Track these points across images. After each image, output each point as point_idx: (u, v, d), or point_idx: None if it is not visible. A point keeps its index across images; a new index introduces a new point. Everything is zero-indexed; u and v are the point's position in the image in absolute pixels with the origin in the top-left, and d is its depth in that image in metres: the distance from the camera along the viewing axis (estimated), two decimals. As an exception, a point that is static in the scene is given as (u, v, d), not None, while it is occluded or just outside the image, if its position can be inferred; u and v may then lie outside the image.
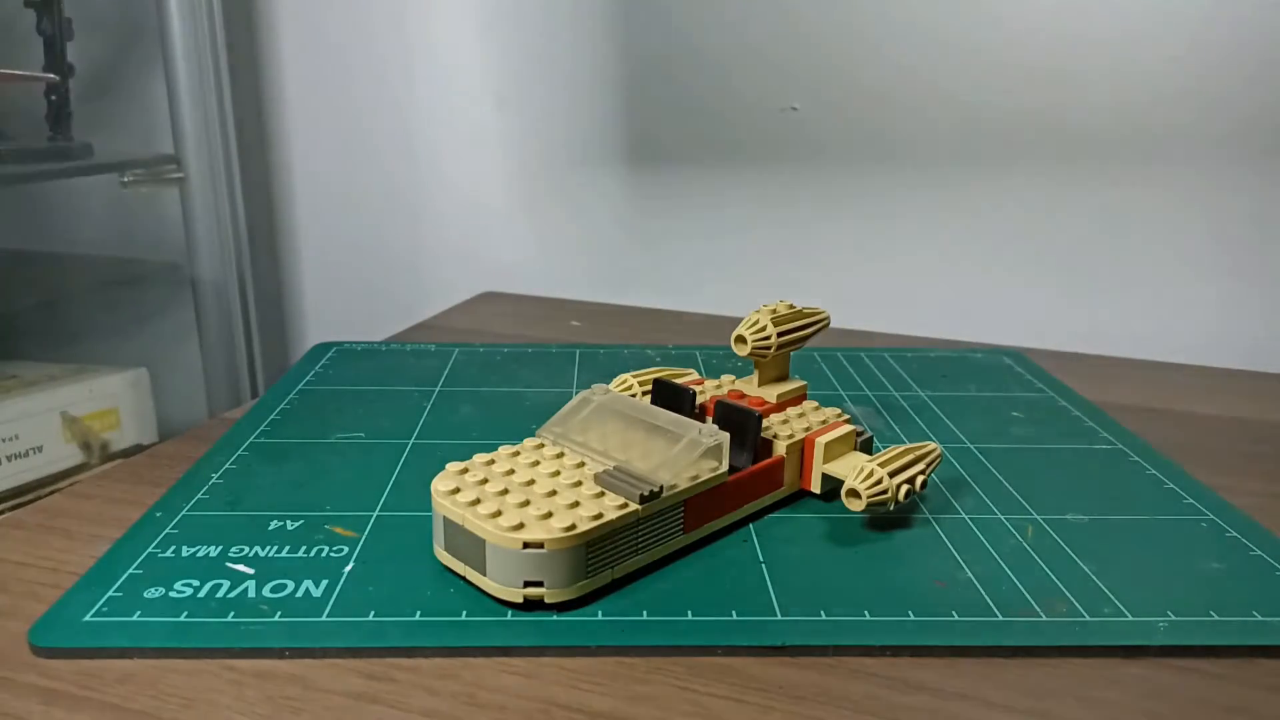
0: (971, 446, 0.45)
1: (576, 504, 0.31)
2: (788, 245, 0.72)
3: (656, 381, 0.40)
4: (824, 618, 0.30)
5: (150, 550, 0.33)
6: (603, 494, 0.32)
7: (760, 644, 0.29)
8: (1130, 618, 0.31)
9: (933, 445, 0.38)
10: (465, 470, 0.33)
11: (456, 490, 0.32)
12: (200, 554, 0.33)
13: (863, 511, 0.35)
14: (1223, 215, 0.62)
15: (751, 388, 0.41)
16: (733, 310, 0.70)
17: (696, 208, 0.73)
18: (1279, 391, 0.56)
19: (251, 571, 0.32)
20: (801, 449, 0.38)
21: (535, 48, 0.74)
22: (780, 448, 0.37)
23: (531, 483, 0.32)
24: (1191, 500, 0.40)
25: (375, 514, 0.36)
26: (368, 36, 0.78)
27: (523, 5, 0.73)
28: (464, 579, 0.31)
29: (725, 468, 0.34)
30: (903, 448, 0.37)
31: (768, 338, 0.39)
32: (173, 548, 0.33)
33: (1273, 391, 0.56)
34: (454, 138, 0.78)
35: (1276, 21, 0.58)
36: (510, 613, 0.30)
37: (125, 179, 0.73)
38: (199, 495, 0.37)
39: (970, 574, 0.33)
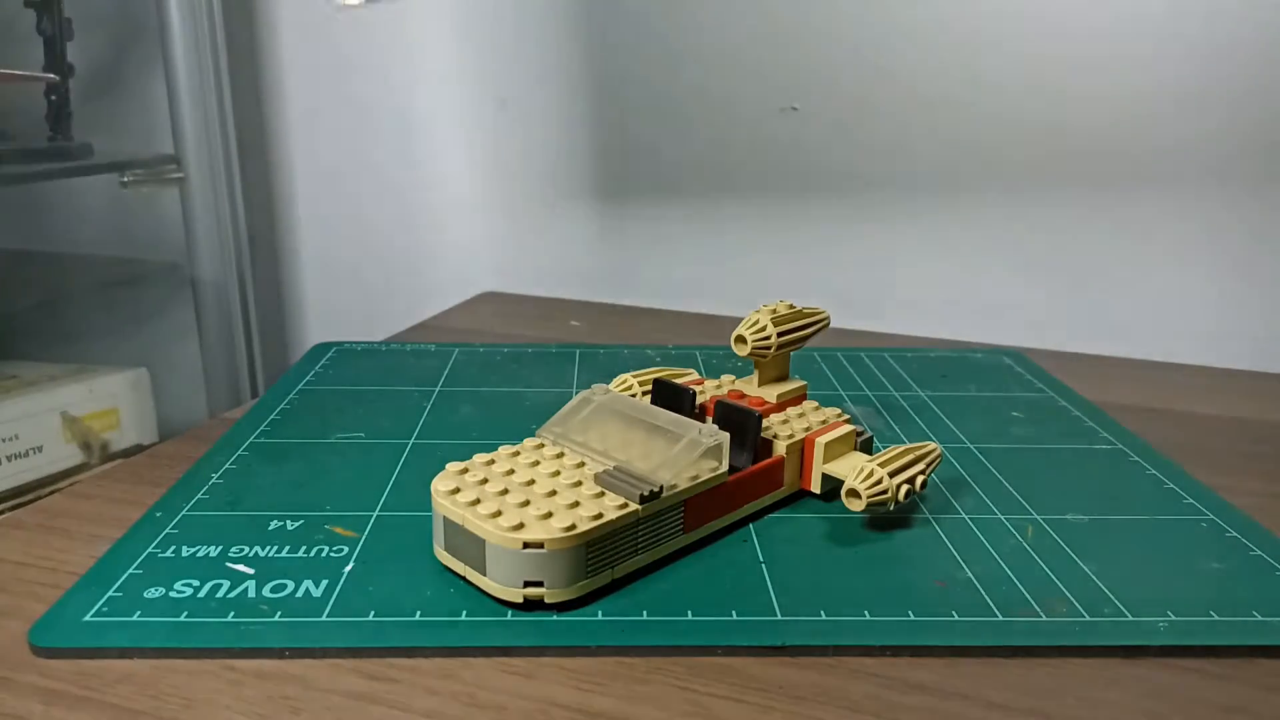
0: (971, 446, 0.45)
1: (576, 504, 0.31)
2: (788, 245, 0.72)
3: (656, 381, 0.40)
4: (824, 618, 0.30)
5: (150, 550, 0.33)
6: (603, 494, 0.32)
7: (760, 644, 0.29)
8: (1130, 618, 0.31)
9: (933, 445, 0.38)
10: (465, 470, 0.33)
11: (456, 490, 0.32)
12: (200, 554, 0.33)
13: (863, 511, 0.35)
14: (1223, 215, 0.62)
15: (751, 388, 0.41)
16: (733, 310, 0.70)
17: (697, 207, 0.73)
18: (1279, 391, 0.56)
19: (251, 571, 0.32)
20: (801, 449, 0.38)
21: (537, 47, 0.74)
22: (780, 448, 0.37)
23: (531, 483, 0.32)
24: (1191, 500, 0.40)
25: (375, 514, 0.36)
26: (368, 36, 0.78)
27: (524, 2, 0.73)
28: (464, 579, 0.31)
29: (725, 468, 0.34)
30: (903, 448, 0.37)
31: (768, 338, 0.39)
32: (173, 548, 0.33)
33: (1273, 391, 0.56)
34: (455, 137, 0.78)
35: (1276, 21, 0.58)
36: (510, 613, 0.30)
37: (125, 179, 0.73)
38: (199, 495, 0.37)
39: (970, 574, 0.33)
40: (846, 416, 0.40)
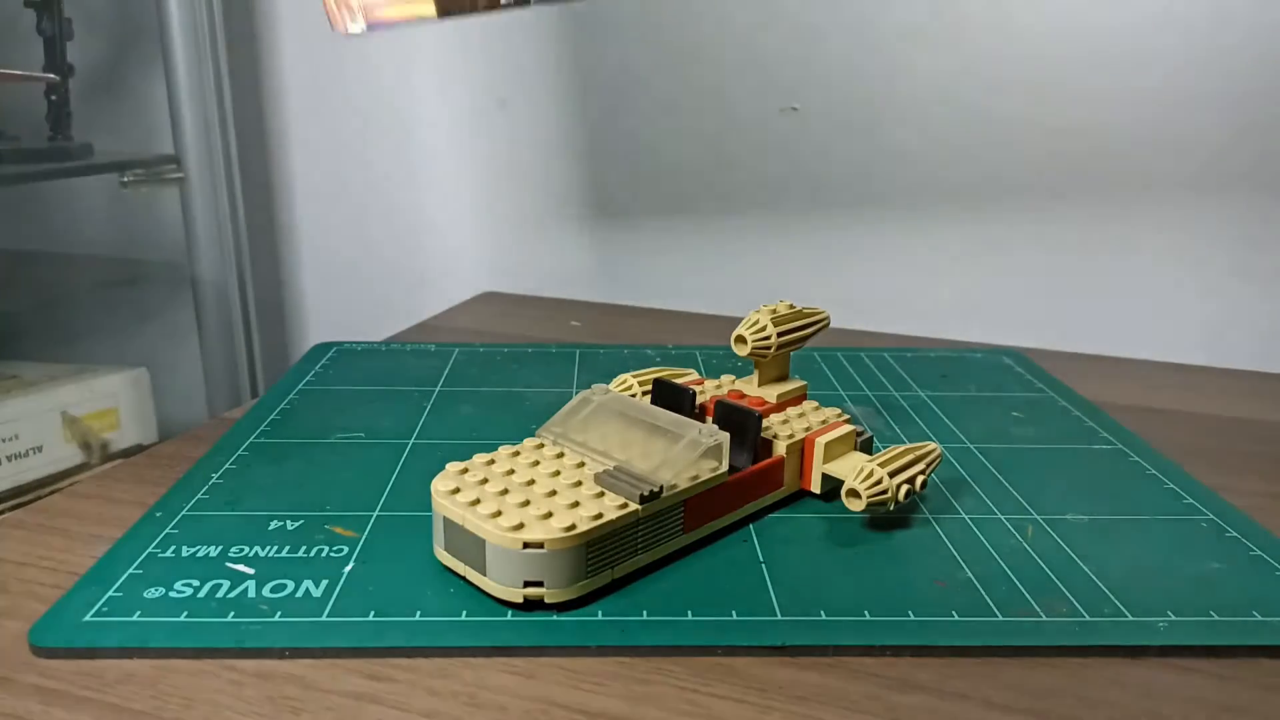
0: (971, 446, 0.45)
1: (576, 504, 0.31)
2: (788, 245, 0.72)
3: (656, 381, 0.40)
4: (824, 618, 0.30)
5: (150, 550, 0.33)
6: (603, 494, 0.32)
7: (760, 644, 0.29)
8: (1130, 618, 0.31)
9: (933, 445, 0.38)
10: (465, 470, 0.33)
11: (456, 490, 0.32)
12: (200, 554, 0.33)
13: (863, 511, 0.35)
14: (1223, 214, 0.62)
15: (751, 388, 0.41)
16: (733, 310, 0.70)
17: (697, 208, 0.73)
18: (1279, 391, 0.56)
19: (251, 571, 0.32)
20: (801, 449, 0.38)
21: (537, 47, 0.74)
22: (780, 448, 0.37)
23: (531, 483, 0.32)
24: (1191, 500, 0.40)
25: (375, 514, 0.36)
26: (368, 36, 0.78)
27: None
28: (464, 579, 0.31)
29: (725, 468, 0.34)
30: (903, 448, 0.37)
31: (768, 338, 0.39)
32: (173, 548, 0.33)
33: (1273, 391, 0.56)
34: (455, 137, 0.78)
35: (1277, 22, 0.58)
36: (510, 613, 0.30)
37: (125, 179, 0.73)
38: (199, 495, 0.37)
39: (970, 574, 0.33)
40: (846, 416, 0.40)
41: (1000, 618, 0.31)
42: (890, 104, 0.66)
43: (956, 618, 0.30)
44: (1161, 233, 0.63)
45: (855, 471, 0.36)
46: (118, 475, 0.40)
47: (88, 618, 0.29)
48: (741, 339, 0.39)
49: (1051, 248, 0.66)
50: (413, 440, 0.43)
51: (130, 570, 0.32)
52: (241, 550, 0.33)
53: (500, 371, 0.53)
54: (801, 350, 0.47)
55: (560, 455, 0.34)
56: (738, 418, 0.37)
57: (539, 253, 0.78)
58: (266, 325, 0.88)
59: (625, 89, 0.72)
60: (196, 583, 0.31)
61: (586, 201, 0.76)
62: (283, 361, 0.89)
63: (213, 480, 0.39)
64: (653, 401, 0.39)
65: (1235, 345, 0.63)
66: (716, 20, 0.68)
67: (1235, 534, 0.37)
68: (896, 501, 0.35)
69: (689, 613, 0.30)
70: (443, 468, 0.33)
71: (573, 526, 0.30)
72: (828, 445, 0.38)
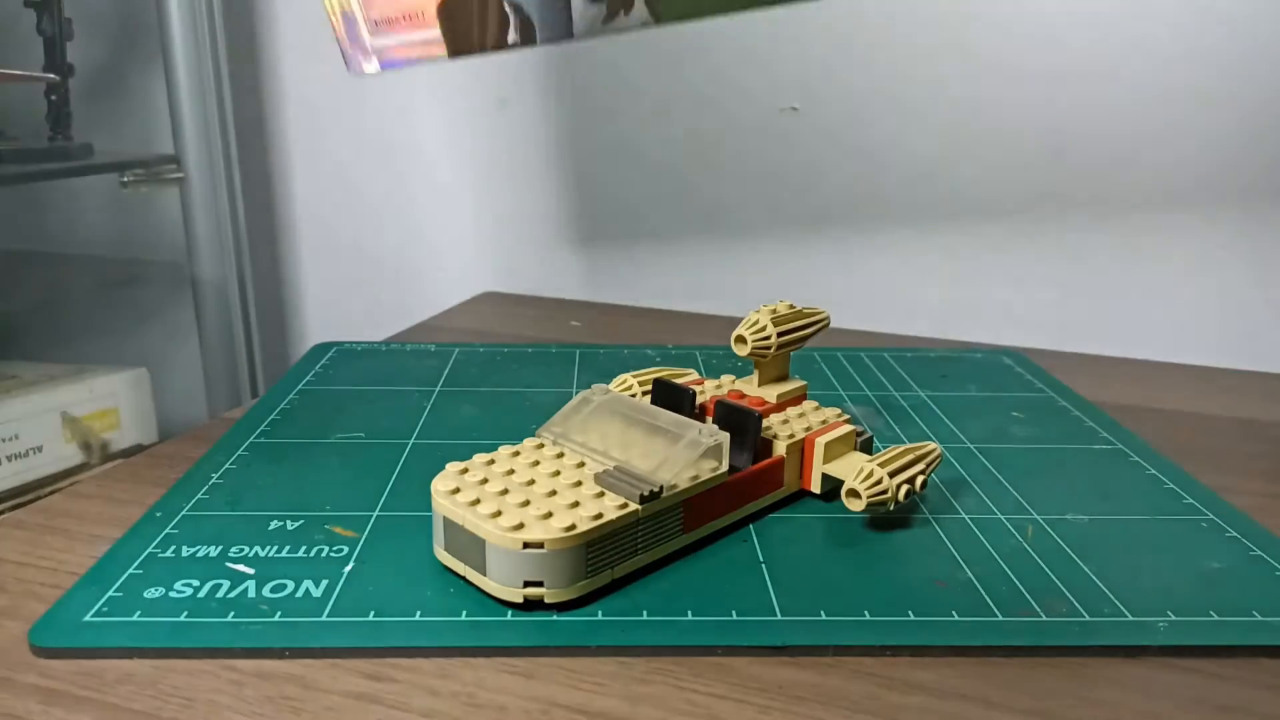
0: (971, 446, 0.45)
1: (576, 504, 0.31)
2: (788, 245, 0.72)
3: (656, 381, 0.40)
4: (824, 618, 0.30)
5: (150, 550, 0.33)
6: (603, 494, 0.32)
7: (760, 644, 0.29)
8: (1130, 618, 0.31)
9: (933, 445, 0.38)
10: (465, 470, 0.33)
11: (456, 490, 0.32)
12: (200, 554, 0.33)
13: (863, 511, 0.35)
14: (1222, 214, 0.62)
15: (751, 388, 0.41)
16: (733, 310, 0.70)
17: (697, 207, 0.73)
18: (1279, 391, 0.56)
19: (251, 571, 0.32)
20: (801, 449, 0.38)
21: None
22: (780, 448, 0.37)
23: (531, 483, 0.32)
24: (1191, 500, 0.40)
25: (375, 514, 0.36)
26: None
27: None
28: (464, 579, 0.31)
29: (725, 468, 0.34)
30: (903, 448, 0.37)
31: (768, 338, 0.39)
32: (173, 548, 0.33)
33: (1273, 391, 0.56)
34: (455, 137, 0.78)
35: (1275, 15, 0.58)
36: (510, 613, 0.30)
37: (125, 179, 0.73)
38: (199, 495, 0.37)
39: (970, 574, 0.33)
40: (846, 416, 0.40)
41: (1000, 618, 0.31)
42: (891, 103, 0.66)
43: (956, 618, 0.30)
44: (1162, 233, 0.63)
45: (855, 471, 0.36)
46: (118, 475, 0.40)
47: (88, 618, 0.29)
48: (741, 339, 0.39)
49: (1051, 248, 0.66)
50: (413, 440, 0.43)
51: (130, 570, 0.32)
52: (241, 550, 0.33)
53: (500, 371, 0.53)
54: (801, 350, 0.47)
55: (560, 455, 0.34)
56: (738, 418, 0.37)
57: (539, 253, 0.78)
58: (266, 325, 0.88)
59: (625, 88, 0.72)
60: (196, 583, 0.31)
61: (587, 201, 0.76)
62: (283, 361, 0.89)
63: (213, 480, 0.39)
64: (653, 401, 0.39)
65: (1235, 345, 0.63)
66: (716, 20, 0.68)
67: (1235, 534, 0.37)
68: (896, 501, 0.35)
69: (689, 613, 0.30)
70: (443, 468, 0.33)
71: (573, 526, 0.30)
72: (828, 445, 0.38)
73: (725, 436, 0.34)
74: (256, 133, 0.83)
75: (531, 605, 0.30)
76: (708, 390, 0.41)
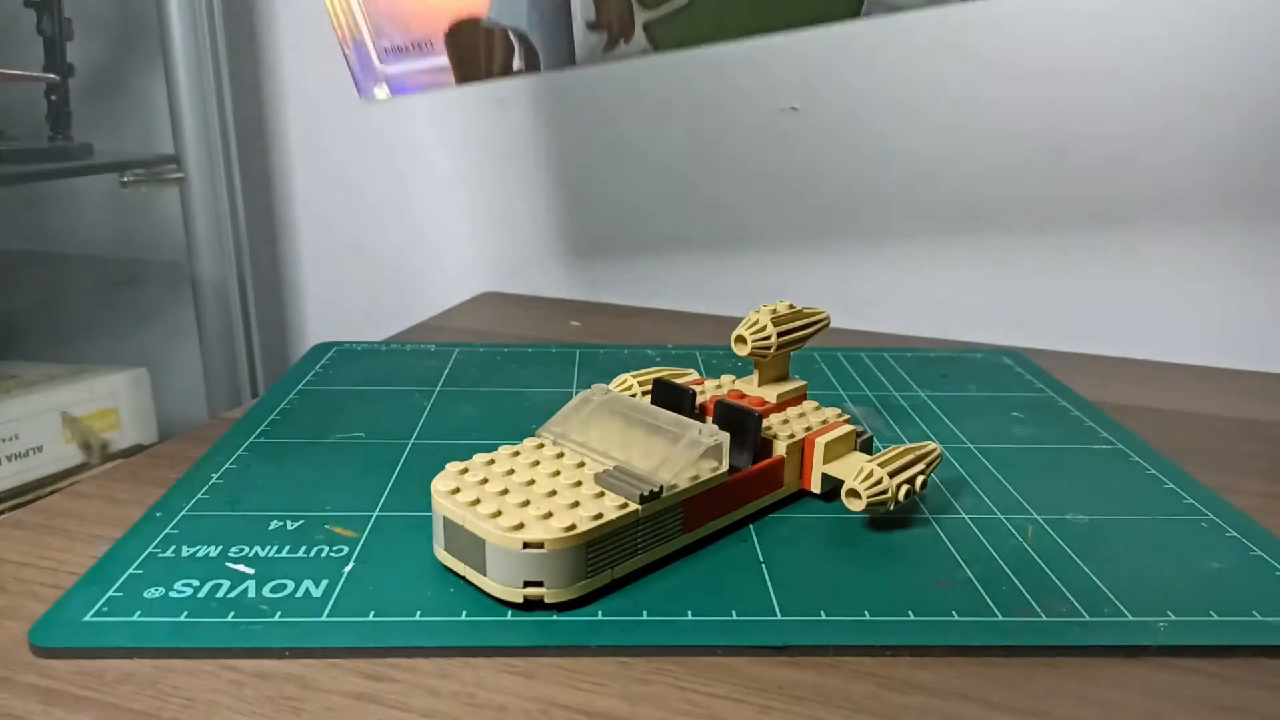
0: (971, 446, 0.45)
1: (576, 504, 0.31)
2: (788, 245, 0.72)
3: (656, 381, 0.40)
4: (824, 618, 0.30)
5: (150, 550, 0.33)
6: (603, 494, 0.32)
7: (760, 644, 0.29)
8: (1130, 618, 0.31)
9: (933, 445, 0.38)
10: (465, 470, 0.33)
11: (456, 490, 0.32)
12: (200, 554, 0.33)
13: (863, 511, 0.35)
14: (1223, 214, 0.62)
15: (751, 388, 0.41)
16: (733, 310, 0.70)
17: (697, 207, 0.73)
18: (1279, 391, 0.56)
19: (251, 571, 0.32)
20: (801, 449, 0.38)
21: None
22: (780, 448, 0.37)
23: (531, 483, 0.32)
24: (1191, 500, 0.40)
25: (375, 514, 0.36)
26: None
27: None
28: (464, 579, 0.31)
29: (725, 468, 0.34)
30: (903, 448, 0.37)
31: (768, 338, 0.39)
32: (173, 548, 0.33)
33: (1273, 391, 0.56)
34: (455, 137, 0.78)
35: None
36: (510, 613, 0.30)
37: (125, 179, 0.73)
38: (199, 495, 0.37)
39: (970, 574, 0.33)
40: (846, 416, 0.40)
41: (1000, 618, 0.31)
42: (891, 103, 0.66)
43: (956, 618, 0.30)
44: (1162, 233, 0.63)
45: (855, 471, 0.36)
46: (118, 475, 0.40)
47: (88, 618, 0.29)
48: (741, 339, 0.39)
49: (1051, 247, 0.66)
50: (413, 440, 0.43)
51: (130, 570, 0.32)
52: (241, 550, 0.33)
53: (500, 371, 0.53)
54: (801, 350, 0.47)
55: (560, 455, 0.34)
56: (738, 418, 0.37)
57: (539, 253, 0.78)
58: (266, 325, 0.88)
59: (625, 89, 0.72)
60: (196, 583, 0.31)
61: (587, 201, 0.76)
62: (283, 361, 0.89)
63: (213, 480, 0.39)
64: (653, 401, 0.39)
65: (1235, 345, 0.63)
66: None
67: (1235, 534, 0.37)
68: (896, 501, 0.35)
69: (689, 613, 0.30)
70: (443, 468, 0.33)
71: (573, 526, 0.30)
72: (828, 445, 0.38)
73: (725, 436, 0.34)
74: (256, 133, 0.83)
75: (531, 605, 0.30)
76: (708, 390, 0.41)
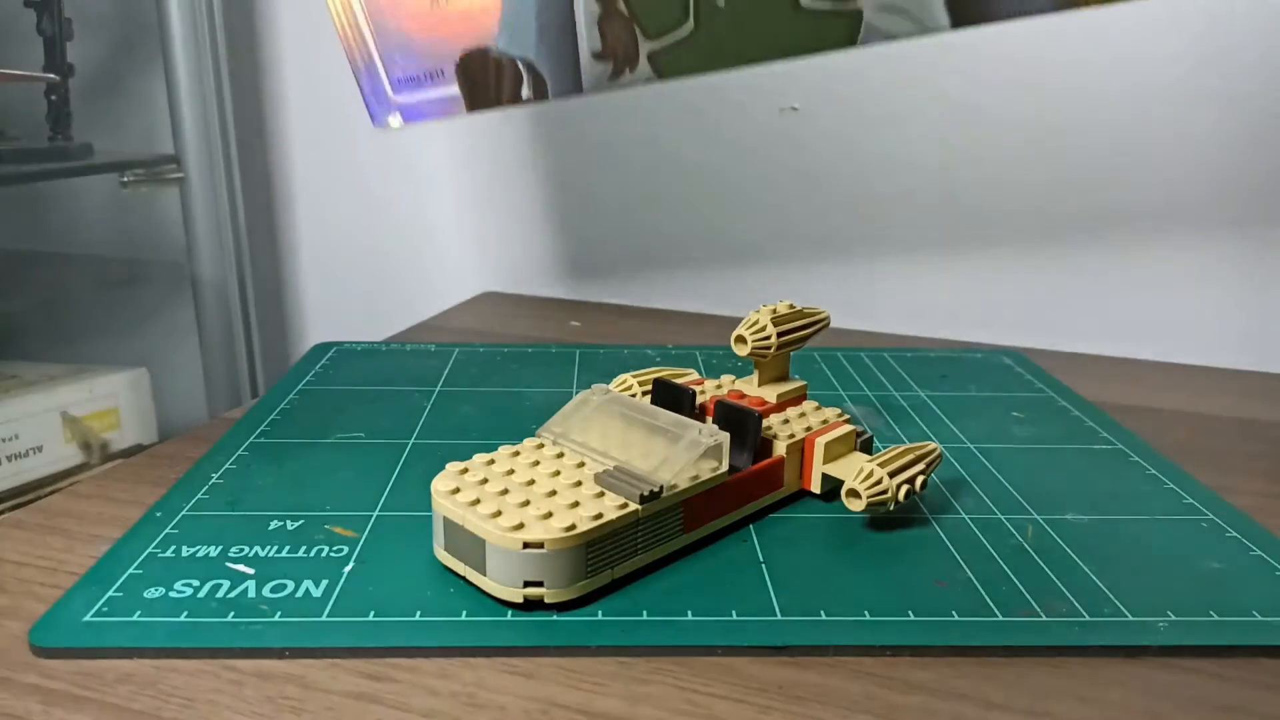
0: (971, 446, 0.45)
1: (576, 504, 0.31)
2: (789, 245, 0.72)
3: (656, 381, 0.40)
4: (824, 618, 0.30)
5: (150, 550, 0.33)
6: (603, 494, 0.32)
7: (760, 644, 0.29)
8: (1130, 618, 0.31)
9: (933, 445, 0.38)
10: (465, 470, 0.33)
11: (456, 490, 0.32)
12: (200, 554, 0.33)
13: (863, 512, 0.35)
14: (1223, 214, 0.62)
15: (751, 388, 0.41)
16: (733, 310, 0.70)
17: (698, 207, 0.73)
18: (1279, 391, 0.56)
19: (251, 571, 0.32)
20: (801, 449, 0.38)
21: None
22: (780, 448, 0.37)
23: (531, 483, 0.32)
24: (1191, 500, 0.40)
25: (375, 514, 0.36)
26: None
27: None
28: (464, 579, 0.31)
29: (725, 468, 0.34)
30: (903, 448, 0.37)
31: (768, 338, 0.39)
32: (173, 548, 0.33)
33: (1273, 391, 0.56)
34: (455, 137, 0.78)
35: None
36: (510, 613, 0.30)
37: (125, 179, 0.73)
38: (199, 495, 0.37)
39: (970, 574, 0.33)
40: (846, 416, 0.40)
41: (1000, 618, 0.31)
42: (891, 103, 0.66)
43: (956, 618, 0.30)
44: (1162, 233, 0.63)
45: (855, 471, 0.36)
46: (118, 475, 0.40)
47: (88, 618, 0.29)
48: (741, 339, 0.39)
49: (1051, 247, 0.66)
50: (413, 440, 0.43)
51: (130, 570, 0.32)
52: (241, 550, 0.33)
53: (500, 371, 0.53)
54: (801, 350, 0.47)
55: (560, 455, 0.34)
56: (738, 418, 0.37)
57: (539, 253, 0.78)
58: (266, 325, 0.88)
59: (626, 90, 0.72)
60: (196, 583, 0.31)
61: (587, 201, 0.76)
62: (283, 361, 0.89)
63: (213, 480, 0.39)
64: (653, 401, 0.39)
65: (1235, 345, 0.63)
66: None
67: (1235, 534, 0.37)
68: (896, 501, 0.35)
69: (689, 613, 0.30)
70: (443, 468, 0.33)
71: (573, 526, 0.30)
72: (828, 445, 0.38)
73: (725, 436, 0.34)
74: (256, 133, 0.83)
75: (531, 605, 0.30)
76: (708, 390, 0.41)
